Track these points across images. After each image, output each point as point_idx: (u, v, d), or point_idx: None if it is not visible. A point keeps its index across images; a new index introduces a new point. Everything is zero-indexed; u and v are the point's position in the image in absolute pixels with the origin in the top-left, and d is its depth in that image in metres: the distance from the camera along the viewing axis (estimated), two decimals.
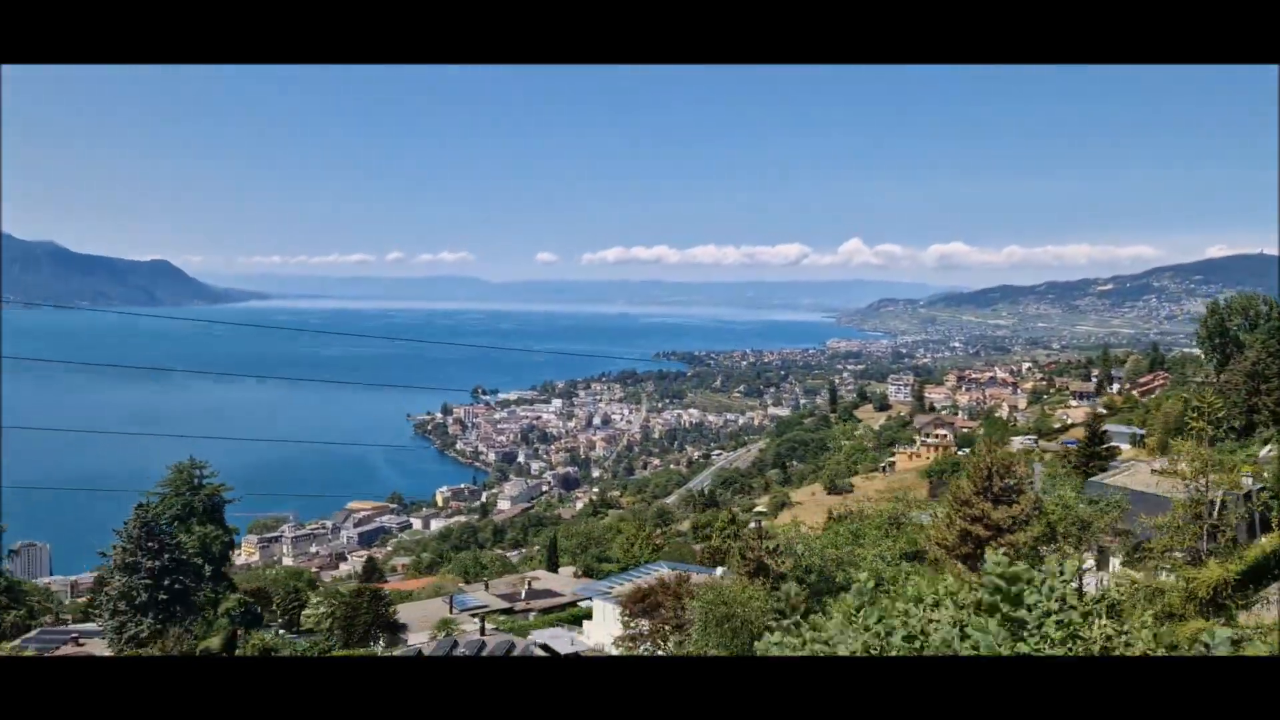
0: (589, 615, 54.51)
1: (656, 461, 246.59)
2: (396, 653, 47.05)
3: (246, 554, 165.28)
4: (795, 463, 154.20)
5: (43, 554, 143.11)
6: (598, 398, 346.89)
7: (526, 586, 67.00)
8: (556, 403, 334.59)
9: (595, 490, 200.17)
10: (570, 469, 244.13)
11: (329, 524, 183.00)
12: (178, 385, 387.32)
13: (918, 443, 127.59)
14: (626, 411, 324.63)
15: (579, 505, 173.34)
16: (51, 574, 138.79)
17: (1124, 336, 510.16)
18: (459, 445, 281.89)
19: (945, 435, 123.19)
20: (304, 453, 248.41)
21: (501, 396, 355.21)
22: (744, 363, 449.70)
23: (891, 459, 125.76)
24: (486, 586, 69.55)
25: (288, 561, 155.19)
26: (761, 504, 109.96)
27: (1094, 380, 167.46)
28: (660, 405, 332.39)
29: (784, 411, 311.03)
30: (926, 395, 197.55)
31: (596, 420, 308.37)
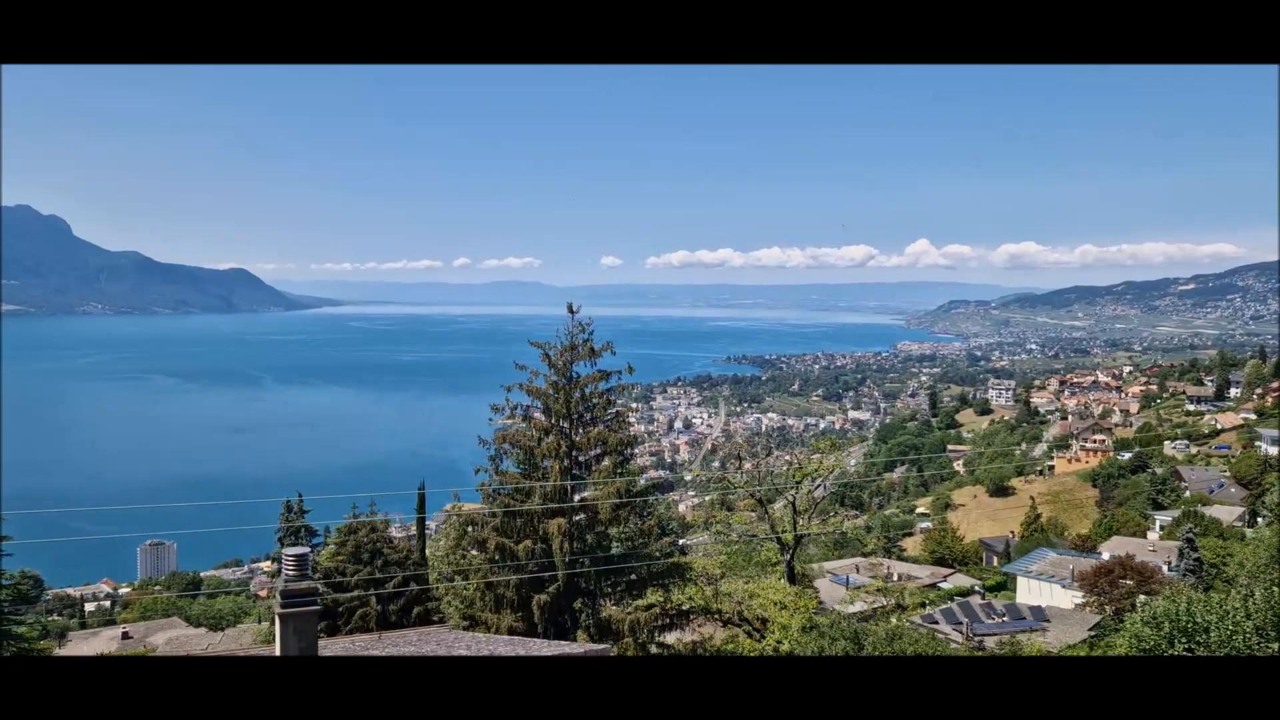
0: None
1: (748, 465, 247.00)
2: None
3: None
4: (916, 468, 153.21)
5: (169, 551, 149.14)
6: (675, 402, 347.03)
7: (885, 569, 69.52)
8: (635, 407, 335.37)
9: (691, 493, 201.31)
10: (661, 472, 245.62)
11: (432, 525, 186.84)
12: (264, 390, 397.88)
13: (1074, 447, 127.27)
14: (706, 415, 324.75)
15: (681, 508, 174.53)
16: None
17: (1208, 337, 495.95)
18: None
19: (1103, 440, 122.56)
20: (391, 456, 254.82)
21: None
22: (816, 366, 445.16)
23: (1050, 462, 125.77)
24: (857, 569, 70.50)
25: None
26: (922, 506, 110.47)
27: (1209, 384, 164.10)
28: (739, 409, 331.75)
29: (864, 415, 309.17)
30: (1030, 400, 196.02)
31: (678, 424, 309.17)
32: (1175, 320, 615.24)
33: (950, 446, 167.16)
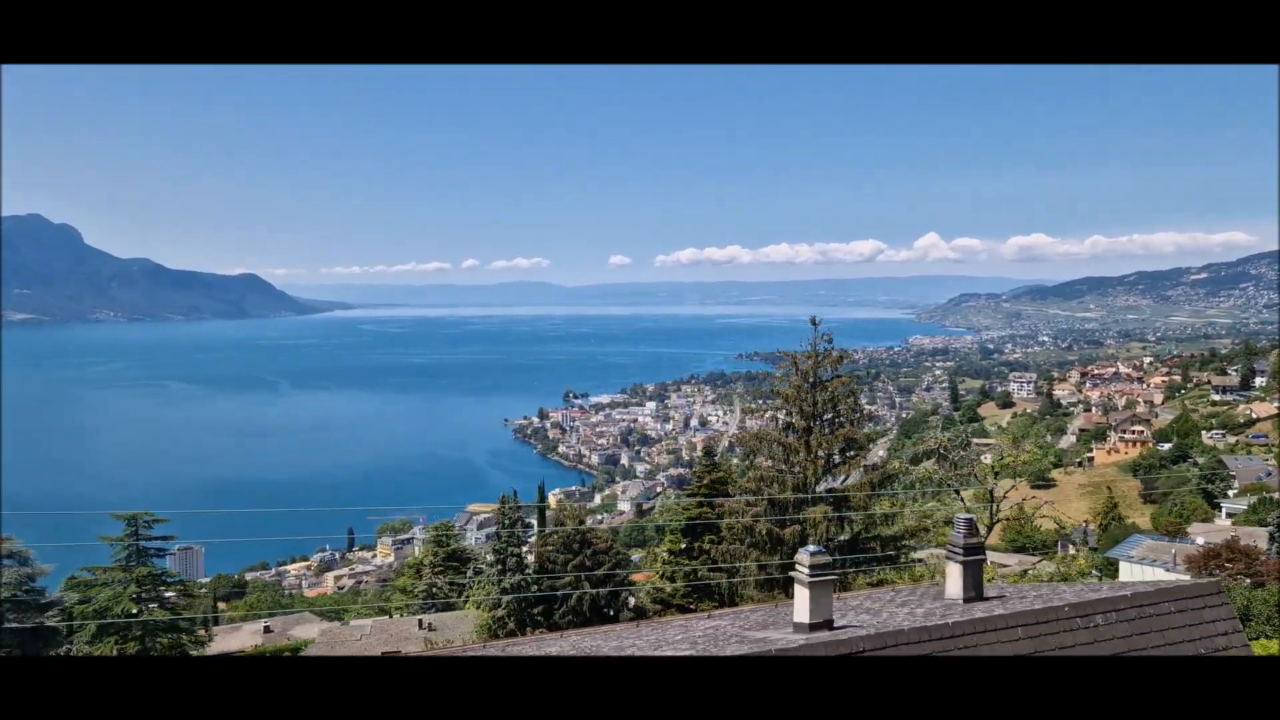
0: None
1: (768, 462, 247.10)
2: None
3: (382, 555, 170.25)
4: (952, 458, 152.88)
5: (197, 556, 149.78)
6: (690, 400, 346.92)
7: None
8: (650, 405, 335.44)
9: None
10: (681, 470, 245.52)
11: (454, 526, 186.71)
12: (279, 394, 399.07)
13: (1112, 438, 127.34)
14: (721, 413, 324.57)
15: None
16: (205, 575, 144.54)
17: (1221, 326, 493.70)
18: (560, 449, 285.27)
19: (1142, 431, 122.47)
20: (411, 458, 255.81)
21: (593, 400, 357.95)
22: None
23: (1090, 454, 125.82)
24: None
25: None
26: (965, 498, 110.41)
27: (1233, 373, 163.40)
28: (753, 406, 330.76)
29: (881, 410, 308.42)
30: (1053, 393, 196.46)
31: (694, 422, 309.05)
32: (1188, 310, 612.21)
33: (976, 440, 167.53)
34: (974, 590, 14.01)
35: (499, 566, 39.61)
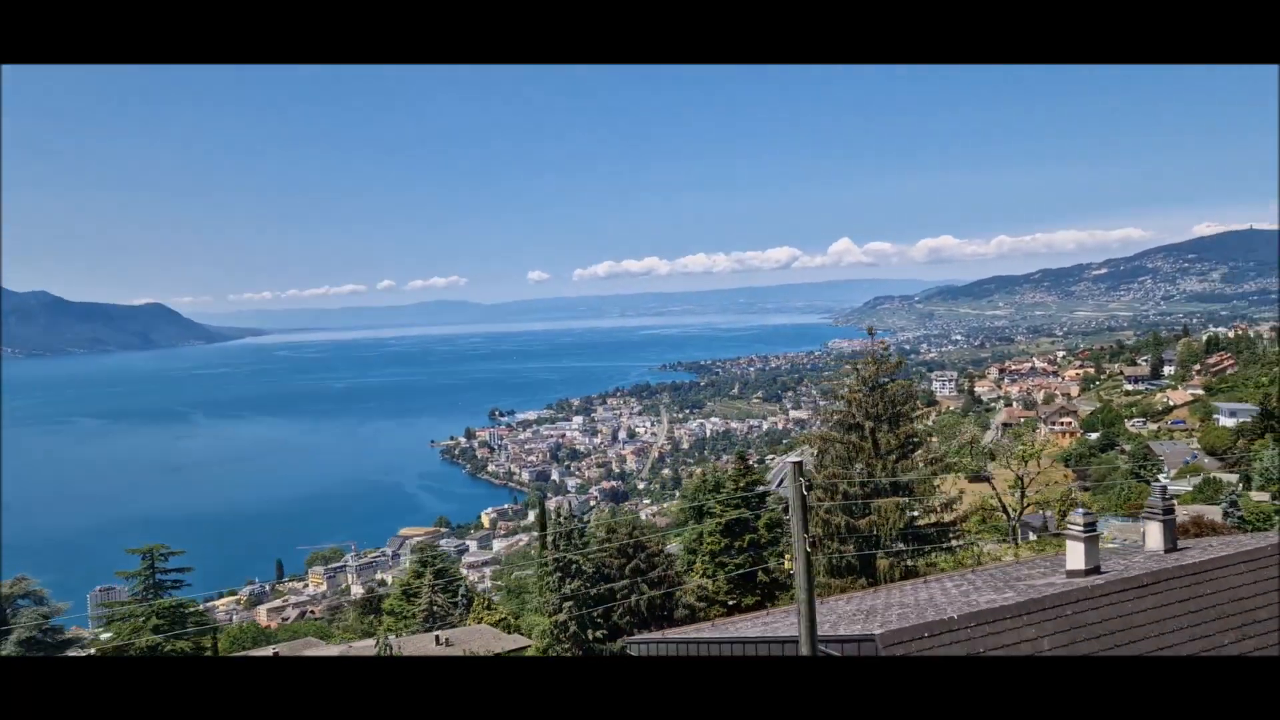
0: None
1: (699, 470, 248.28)
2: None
3: (314, 584, 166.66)
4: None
5: (120, 596, 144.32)
6: (617, 413, 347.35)
7: None
8: (578, 419, 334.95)
9: (647, 501, 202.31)
10: (615, 483, 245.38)
11: (387, 551, 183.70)
12: (194, 426, 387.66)
13: (1042, 430, 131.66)
14: (649, 424, 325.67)
15: (643, 517, 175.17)
16: None
17: (1123, 319, 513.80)
18: (490, 467, 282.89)
19: (1070, 422, 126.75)
20: (337, 484, 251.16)
21: (520, 417, 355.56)
22: (751, 369, 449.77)
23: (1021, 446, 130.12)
24: None
25: (357, 590, 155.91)
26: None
27: (1144, 363, 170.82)
28: (680, 416, 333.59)
29: (804, 414, 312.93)
30: (974, 389, 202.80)
31: (621, 435, 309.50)
32: (1092, 304, 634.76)
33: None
34: (1171, 543, 16.91)
35: (558, 574, 41.17)
